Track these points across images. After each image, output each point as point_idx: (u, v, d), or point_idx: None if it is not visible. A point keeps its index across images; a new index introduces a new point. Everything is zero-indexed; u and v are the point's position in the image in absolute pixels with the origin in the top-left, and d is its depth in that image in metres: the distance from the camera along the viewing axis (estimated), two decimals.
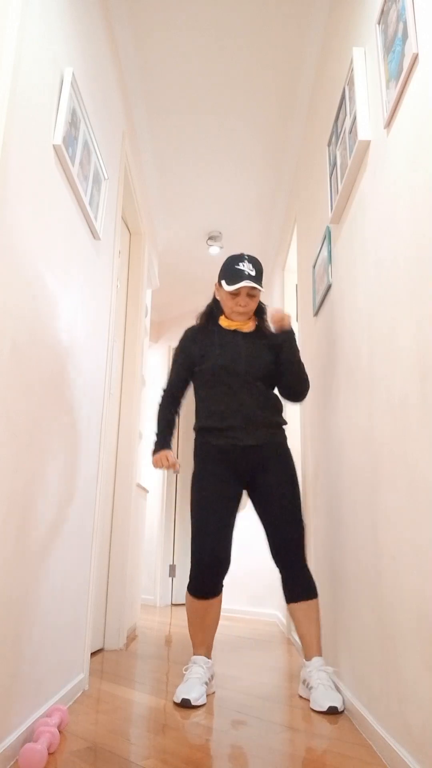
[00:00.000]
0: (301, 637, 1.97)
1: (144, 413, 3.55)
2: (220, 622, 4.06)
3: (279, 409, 2.12)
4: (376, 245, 1.57)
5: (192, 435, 4.16)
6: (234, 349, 2.09)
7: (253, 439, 2.03)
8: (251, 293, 2.09)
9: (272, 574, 4.15)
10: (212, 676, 1.98)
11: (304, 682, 1.92)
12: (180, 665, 2.44)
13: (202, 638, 1.99)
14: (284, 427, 2.12)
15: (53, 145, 1.61)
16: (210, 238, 4.24)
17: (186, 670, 1.96)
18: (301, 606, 1.96)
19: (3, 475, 1.27)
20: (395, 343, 1.39)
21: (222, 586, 1.99)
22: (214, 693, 1.99)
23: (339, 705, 1.73)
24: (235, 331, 2.15)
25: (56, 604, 1.68)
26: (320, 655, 1.93)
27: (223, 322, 2.17)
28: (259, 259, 4.49)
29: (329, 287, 2.21)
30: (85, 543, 2.03)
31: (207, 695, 1.93)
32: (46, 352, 1.57)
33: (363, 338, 1.70)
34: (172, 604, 5.04)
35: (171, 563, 5.11)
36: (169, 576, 5.08)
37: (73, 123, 1.75)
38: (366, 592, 1.61)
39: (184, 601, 5.07)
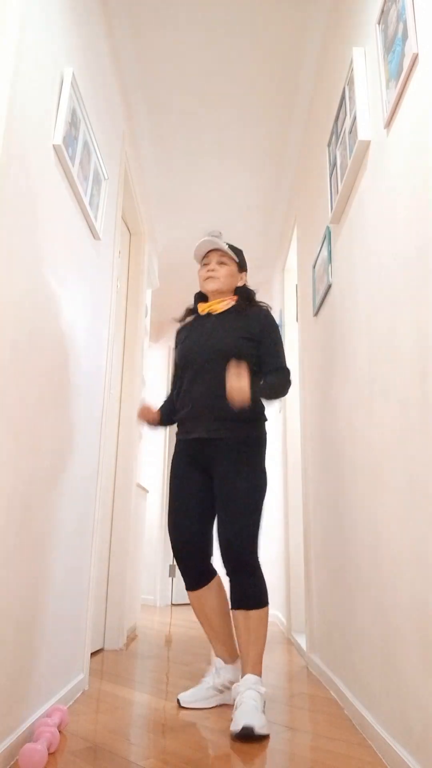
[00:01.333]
0: (239, 648, 1.78)
1: None
2: None
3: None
4: (376, 245, 1.57)
5: None
6: (199, 335, 2.01)
7: (204, 432, 1.88)
8: (221, 260, 2.07)
9: (271, 575, 4.15)
10: (233, 682, 1.85)
11: (233, 700, 1.68)
12: (180, 665, 2.44)
13: (213, 635, 1.93)
14: (257, 419, 1.92)
15: (53, 145, 1.61)
16: None
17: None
18: (241, 614, 1.77)
19: (3, 475, 1.27)
20: (395, 343, 1.39)
21: (208, 575, 1.91)
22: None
23: (257, 726, 1.49)
24: (208, 315, 2.08)
25: (56, 604, 1.68)
26: (255, 673, 1.71)
27: (200, 306, 2.13)
28: (258, 256, 4.53)
29: (329, 287, 2.21)
30: (85, 543, 2.03)
31: (222, 704, 1.84)
32: (46, 353, 1.57)
33: (363, 338, 1.70)
34: (172, 604, 5.04)
35: (171, 563, 5.11)
36: (169, 576, 5.08)
37: (73, 123, 1.75)
38: (366, 592, 1.61)
39: (184, 601, 5.07)
